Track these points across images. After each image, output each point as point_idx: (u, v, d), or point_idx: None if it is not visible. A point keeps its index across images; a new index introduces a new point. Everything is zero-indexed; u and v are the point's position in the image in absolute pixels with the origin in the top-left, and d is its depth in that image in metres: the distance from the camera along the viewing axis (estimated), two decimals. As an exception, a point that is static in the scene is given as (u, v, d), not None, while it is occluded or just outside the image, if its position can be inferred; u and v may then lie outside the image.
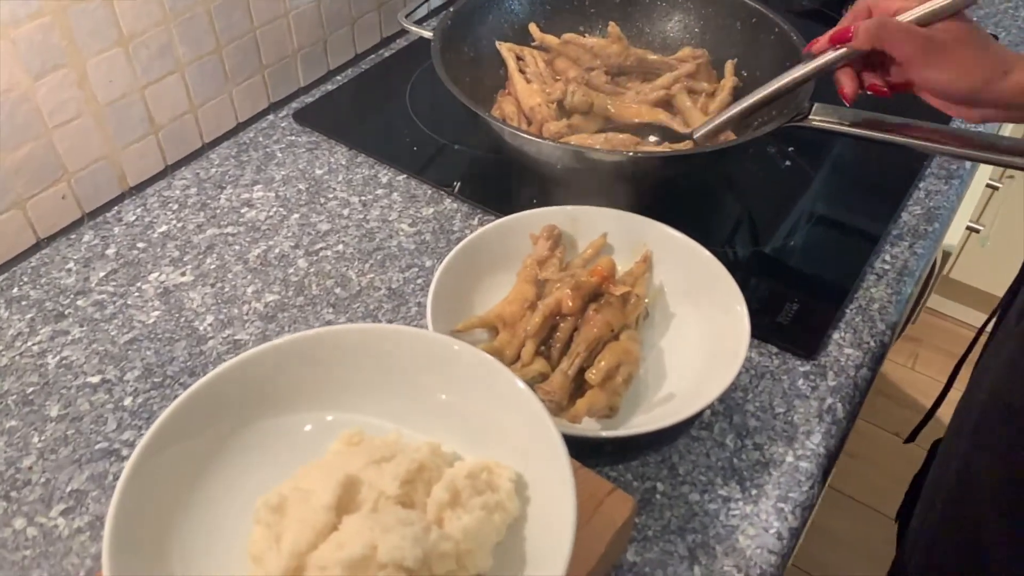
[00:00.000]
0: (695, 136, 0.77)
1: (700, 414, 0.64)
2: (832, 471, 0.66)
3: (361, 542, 0.42)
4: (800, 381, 0.67)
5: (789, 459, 0.61)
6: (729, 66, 0.89)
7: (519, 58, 0.91)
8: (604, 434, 0.58)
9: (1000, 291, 1.84)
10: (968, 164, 0.89)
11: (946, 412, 1.09)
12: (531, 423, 0.48)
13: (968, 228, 1.46)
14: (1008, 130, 1.27)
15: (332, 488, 0.44)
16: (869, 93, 0.68)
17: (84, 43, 0.72)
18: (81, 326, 0.70)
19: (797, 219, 0.82)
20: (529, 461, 0.49)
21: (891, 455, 1.79)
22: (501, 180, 0.87)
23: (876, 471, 1.75)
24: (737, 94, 0.88)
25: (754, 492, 0.59)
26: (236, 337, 0.69)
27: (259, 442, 0.48)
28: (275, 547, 0.43)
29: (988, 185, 1.52)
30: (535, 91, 0.86)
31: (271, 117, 0.94)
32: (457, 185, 0.85)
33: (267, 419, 0.48)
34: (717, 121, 0.76)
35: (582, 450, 0.59)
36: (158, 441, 0.44)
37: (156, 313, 0.71)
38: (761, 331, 0.69)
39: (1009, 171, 1.63)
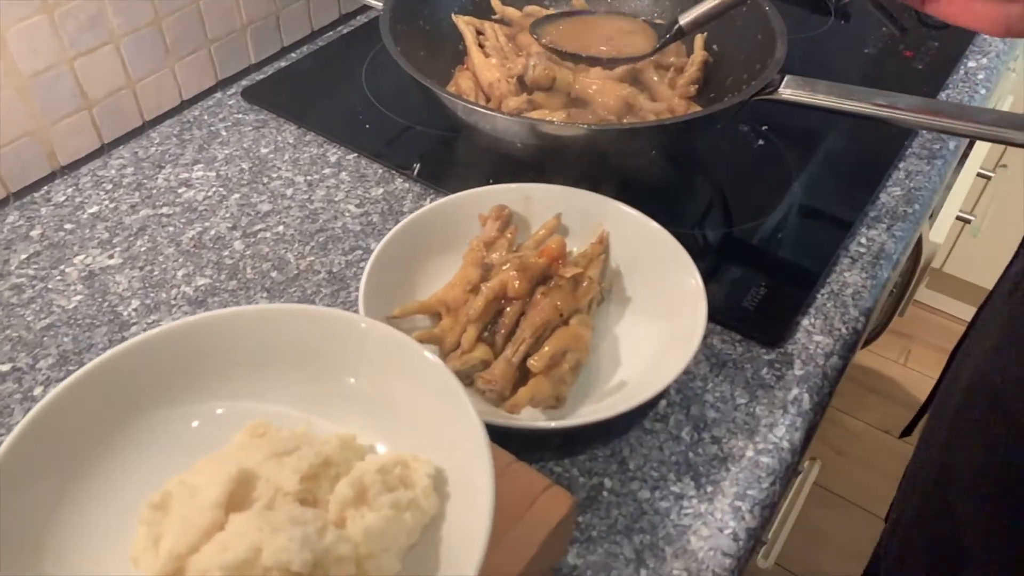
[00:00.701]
0: (681, 22, 0.71)
1: (654, 403, 0.59)
2: (807, 468, 0.61)
3: (245, 544, 0.37)
4: (764, 370, 0.62)
5: (749, 453, 0.56)
6: (699, 40, 0.84)
7: (479, 32, 0.86)
8: (543, 424, 0.53)
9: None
10: (952, 144, 0.84)
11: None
12: (448, 405, 0.43)
13: (959, 218, 1.42)
14: (1007, 104, 1.22)
15: (222, 484, 0.40)
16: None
17: (1, 9, 0.67)
18: (-5, 311, 0.65)
19: (770, 200, 0.77)
20: (451, 452, 0.44)
21: (882, 453, 1.74)
22: (460, 161, 0.82)
23: (867, 469, 1.71)
24: (708, 70, 0.83)
25: (710, 489, 0.54)
26: (162, 323, 0.65)
27: (145, 438, 0.43)
28: (154, 549, 0.39)
29: (980, 175, 1.47)
30: (494, 66, 0.81)
31: (218, 95, 0.89)
32: (416, 167, 0.80)
33: (154, 411, 0.43)
34: (706, 7, 0.70)
35: (527, 443, 0.55)
36: (19, 448, 0.40)
37: (78, 298, 0.66)
38: (724, 317, 0.65)
39: (1003, 160, 1.58)
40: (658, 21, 0.77)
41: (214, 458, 0.43)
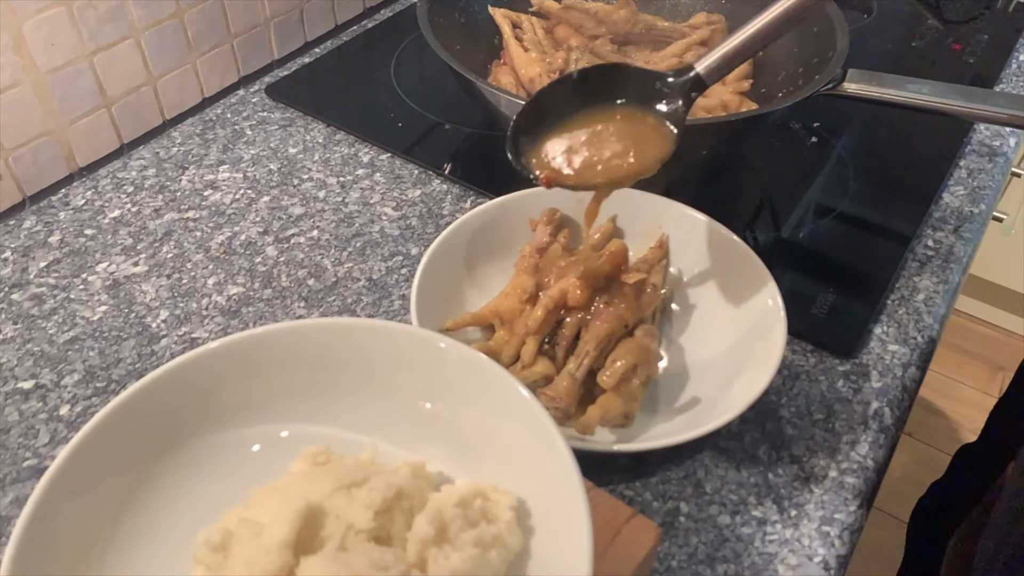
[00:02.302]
0: (698, 69, 0.53)
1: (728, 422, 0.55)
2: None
3: (323, 592, 0.33)
4: (840, 382, 0.58)
5: (833, 474, 0.53)
6: (748, 33, 0.81)
7: (515, 25, 0.82)
8: (619, 447, 0.49)
9: (1021, 286, 1.73)
10: (1012, 141, 0.80)
11: (962, 411, 1.01)
12: (534, 436, 0.39)
13: (992, 216, 1.38)
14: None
15: (289, 521, 0.36)
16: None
17: (18, 1, 0.63)
18: (15, 323, 0.61)
19: (825, 201, 0.74)
20: (532, 483, 0.40)
21: (903, 455, 1.71)
22: (497, 161, 0.77)
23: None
24: (756, 63, 0.79)
25: (794, 513, 0.51)
26: (193, 335, 0.61)
27: (198, 465, 0.39)
28: (216, 597, 0.35)
29: (1011, 172, 1.44)
30: (534, 60, 0.77)
31: (241, 92, 0.85)
32: (448, 166, 0.76)
33: (208, 436, 0.39)
34: (725, 48, 0.53)
35: (591, 465, 0.50)
36: (70, 468, 0.36)
37: (103, 308, 0.62)
38: (793, 326, 0.60)
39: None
40: (669, 79, 0.54)
41: (274, 489, 0.39)
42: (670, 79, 0.54)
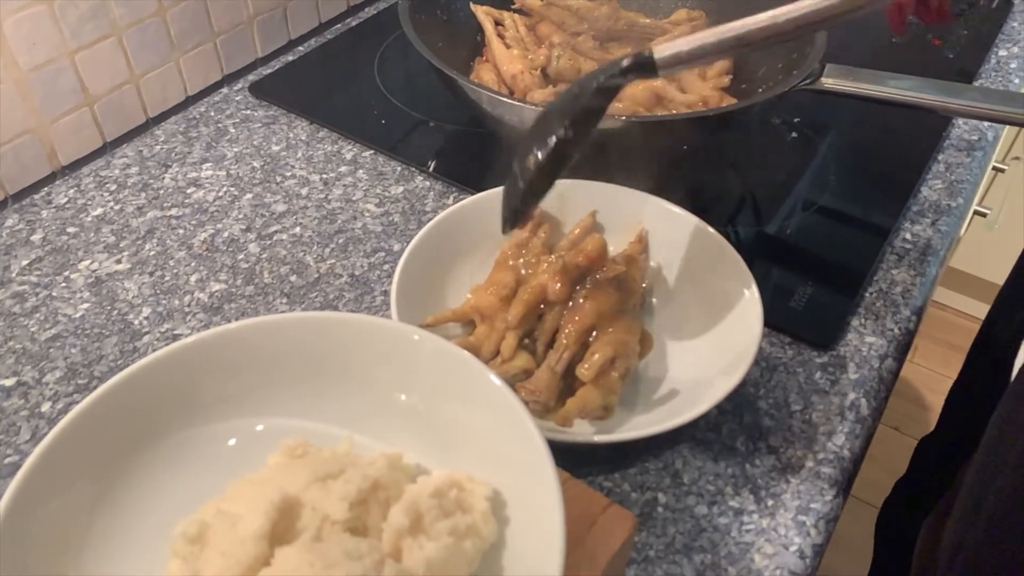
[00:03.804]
0: (655, 56, 0.47)
1: (706, 414, 0.56)
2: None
3: (297, 582, 0.33)
4: (818, 374, 0.59)
5: (809, 464, 0.53)
6: (728, 29, 0.81)
7: (498, 23, 0.82)
8: (598, 438, 0.50)
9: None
10: (990, 135, 0.81)
11: (936, 401, 1.02)
12: (509, 427, 0.40)
13: (976, 212, 1.40)
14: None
15: (265, 513, 0.36)
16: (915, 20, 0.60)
17: (-2, -2, 0.63)
18: (-3, 321, 0.61)
19: (806, 196, 0.74)
20: (508, 474, 0.40)
21: (889, 450, 1.72)
22: (480, 157, 0.79)
23: (873, 466, 1.68)
24: (737, 60, 0.80)
25: (770, 503, 0.51)
26: (176, 332, 0.61)
27: (174, 460, 0.39)
28: (192, 588, 0.35)
29: (994, 168, 1.45)
30: (516, 57, 0.78)
31: (225, 90, 0.85)
32: (432, 164, 0.77)
33: (184, 431, 0.40)
34: (688, 47, 0.46)
35: (571, 457, 0.51)
36: (45, 464, 0.36)
37: (85, 306, 0.62)
38: (772, 318, 0.61)
39: (1014, 152, 1.56)
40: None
41: (251, 482, 0.40)
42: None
